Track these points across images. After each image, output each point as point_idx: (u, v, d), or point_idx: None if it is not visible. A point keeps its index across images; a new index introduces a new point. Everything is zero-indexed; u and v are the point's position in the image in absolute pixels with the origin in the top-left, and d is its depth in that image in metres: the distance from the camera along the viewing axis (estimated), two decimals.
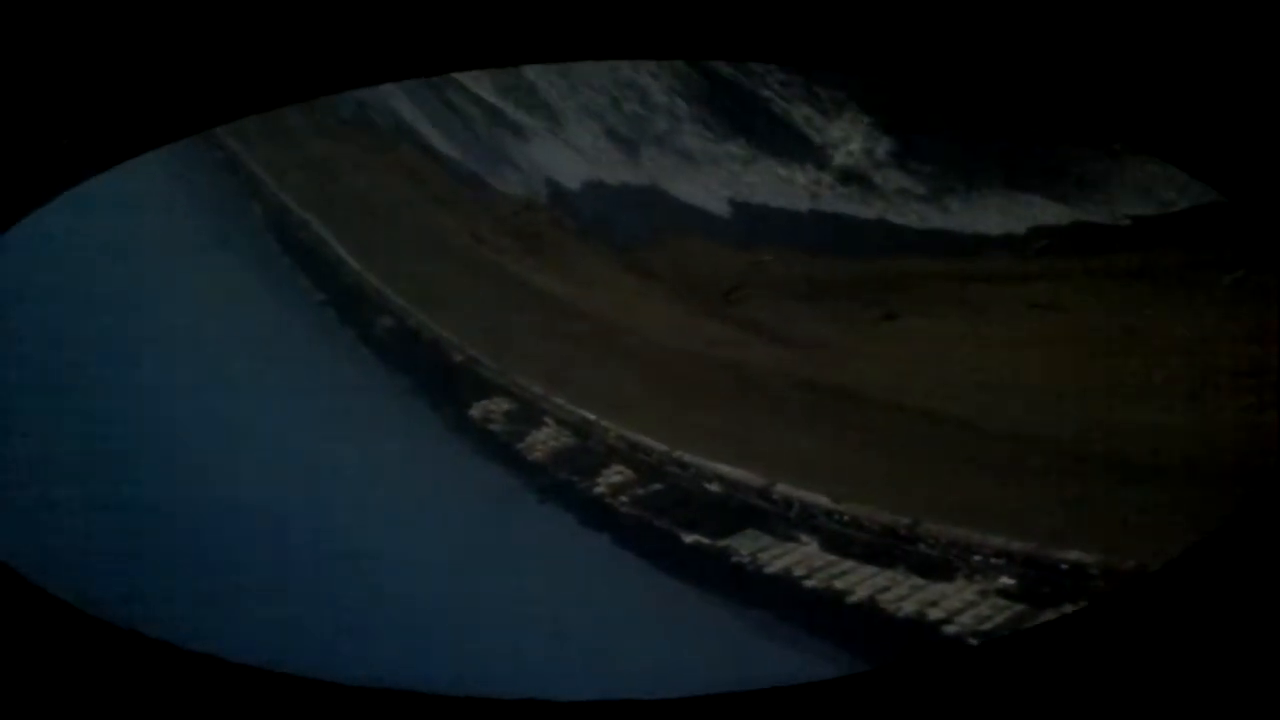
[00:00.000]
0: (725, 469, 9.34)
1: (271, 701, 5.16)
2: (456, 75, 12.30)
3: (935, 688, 5.57)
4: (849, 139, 9.94)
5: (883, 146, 9.95)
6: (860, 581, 8.34)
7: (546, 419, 10.21)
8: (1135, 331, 9.33)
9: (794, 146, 10.23)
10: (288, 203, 12.34)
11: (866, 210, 10.06)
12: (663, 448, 9.67)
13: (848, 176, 9.98)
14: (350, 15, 8.05)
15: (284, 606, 7.63)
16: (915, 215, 9.99)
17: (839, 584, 8.40)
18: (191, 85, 7.77)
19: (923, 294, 9.88)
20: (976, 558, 8.03)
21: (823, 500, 8.86)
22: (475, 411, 10.48)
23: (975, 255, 9.83)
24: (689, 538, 9.12)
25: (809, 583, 8.50)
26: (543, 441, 10.11)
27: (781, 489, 9.06)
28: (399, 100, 12.44)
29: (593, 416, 10.07)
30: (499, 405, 10.44)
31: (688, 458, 9.55)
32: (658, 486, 9.51)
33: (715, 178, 10.60)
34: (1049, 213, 9.66)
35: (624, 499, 9.53)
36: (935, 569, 8.15)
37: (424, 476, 9.98)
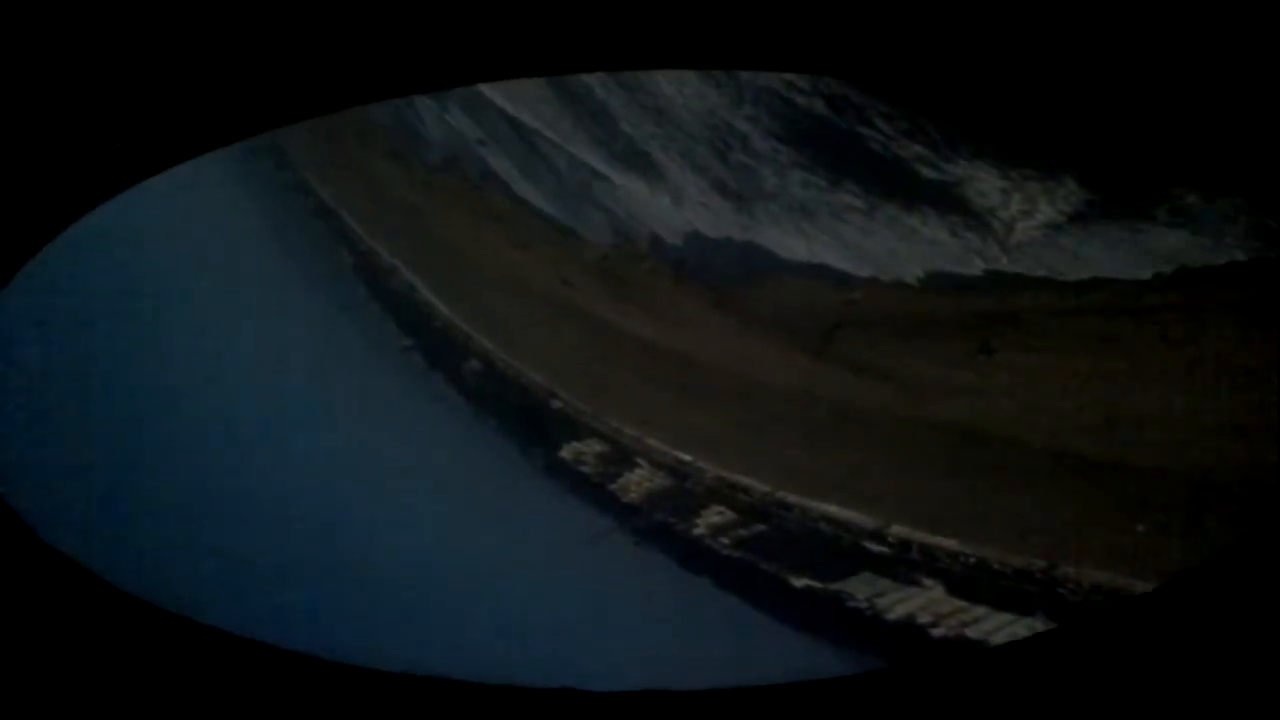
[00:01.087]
0: (834, 509, 8.15)
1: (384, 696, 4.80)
2: (546, 129, 11.54)
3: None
4: (973, 179, 8.91)
5: (1006, 184, 8.92)
6: (996, 629, 7.05)
7: (640, 460, 9.10)
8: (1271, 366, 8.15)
9: (910, 189, 9.21)
10: (377, 249, 11.48)
11: (980, 245, 8.99)
12: (764, 488, 8.51)
13: (974, 217, 8.92)
14: (387, 22, 7.35)
15: (381, 629, 6.53)
16: (1032, 251, 8.91)
17: (971, 632, 7.12)
18: (241, 90, 7.01)
19: (1037, 329, 8.75)
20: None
21: (945, 541, 7.63)
22: (566, 453, 9.40)
23: (1093, 290, 8.70)
24: (799, 581, 7.90)
25: (936, 630, 7.23)
26: (636, 483, 8.98)
27: (897, 530, 7.85)
28: (488, 150, 11.64)
29: (688, 457, 8.95)
30: (590, 447, 9.35)
31: (792, 498, 8.38)
32: (761, 528, 8.34)
33: (833, 230, 9.58)
34: (1178, 248, 8.56)
35: (725, 540, 8.36)
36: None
37: (513, 517, 8.88)
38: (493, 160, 11.64)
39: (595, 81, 11.19)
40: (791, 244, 9.93)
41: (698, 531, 8.49)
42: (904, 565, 7.68)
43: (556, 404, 9.73)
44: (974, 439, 8.28)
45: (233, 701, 4.64)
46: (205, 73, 6.94)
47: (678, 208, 10.61)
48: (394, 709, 4.71)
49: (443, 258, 11.37)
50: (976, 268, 9.18)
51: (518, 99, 11.67)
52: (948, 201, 9.33)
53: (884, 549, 7.82)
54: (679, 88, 10.55)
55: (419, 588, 7.75)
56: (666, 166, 10.68)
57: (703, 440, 9.00)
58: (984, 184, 9.20)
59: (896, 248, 9.54)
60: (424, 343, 10.78)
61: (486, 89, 12.05)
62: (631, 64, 9.19)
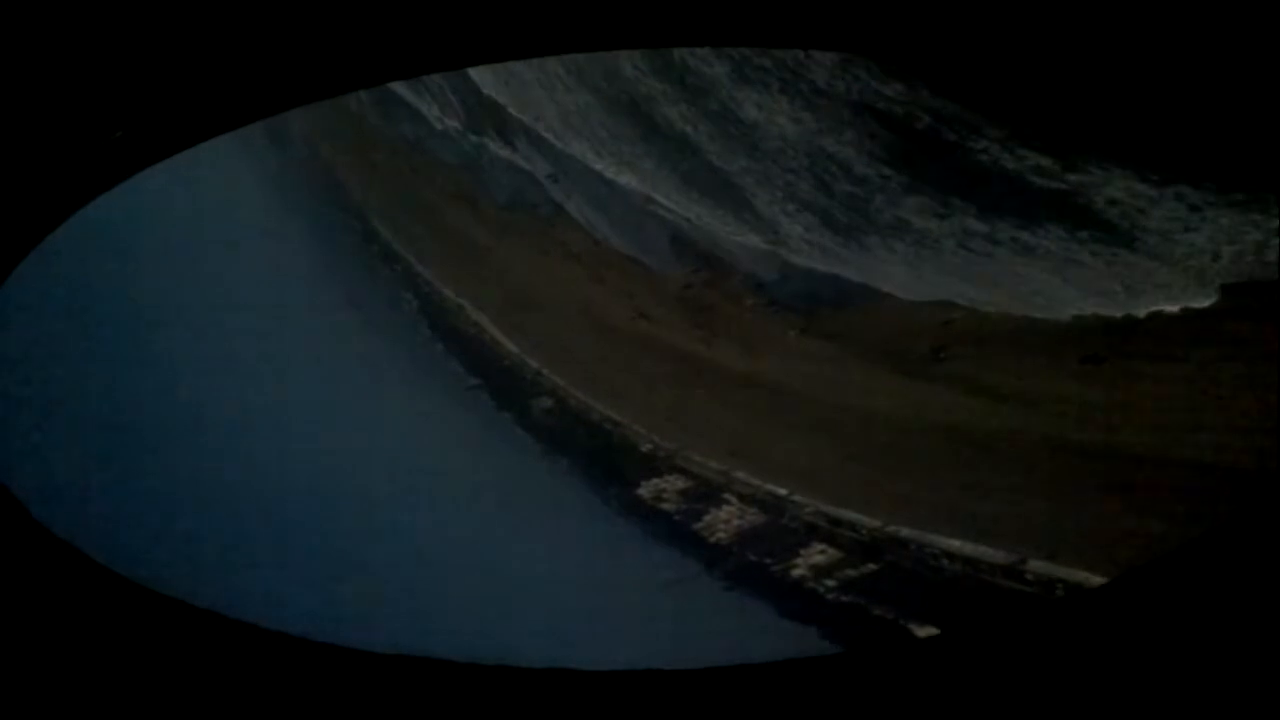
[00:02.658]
0: (956, 544, 6.79)
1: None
2: (624, 167, 10.65)
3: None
4: (1104, 183, 7.72)
5: (1136, 190, 7.72)
6: None
7: (728, 496, 7.84)
8: None
9: (1031, 204, 8.04)
10: (443, 290, 10.54)
11: (1116, 257, 7.75)
12: (873, 522, 7.18)
13: (1110, 229, 7.71)
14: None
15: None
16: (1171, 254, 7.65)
17: None
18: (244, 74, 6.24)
19: (1164, 336, 7.45)
20: None
21: (1095, 579, 6.20)
22: (645, 491, 8.17)
23: (1236, 295, 7.39)
24: (922, 630, 6.49)
25: None
26: (725, 521, 7.70)
27: (1036, 566, 6.43)
28: (560, 187, 10.75)
29: (783, 491, 7.67)
30: (672, 483, 8.12)
31: (906, 532, 7.02)
32: (871, 567, 6.97)
33: (942, 250, 8.41)
34: None
35: (830, 583, 7.00)
36: None
37: (589, 560, 7.63)
38: (565, 197, 10.73)
39: (677, 115, 10.33)
40: (894, 268, 8.77)
41: (797, 573, 7.15)
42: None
43: (634, 439, 8.55)
44: (1107, 458, 6.92)
45: (235, 685, 4.45)
46: (206, 56, 6.23)
47: (768, 240, 9.55)
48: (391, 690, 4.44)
49: (512, 296, 10.39)
50: (1111, 281, 7.93)
51: (591, 136, 10.84)
52: (1074, 213, 8.14)
53: (1022, 588, 6.41)
54: (769, 115, 9.62)
55: (481, 624, 6.51)
56: (758, 198, 9.64)
57: (799, 472, 7.72)
58: (1114, 190, 8.02)
59: (1014, 265, 8.33)
60: (491, 382, 9.72)
61: (556, 128, 11.28)
62: (666, 41, 8.36)
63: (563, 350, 9.70)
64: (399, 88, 12.31)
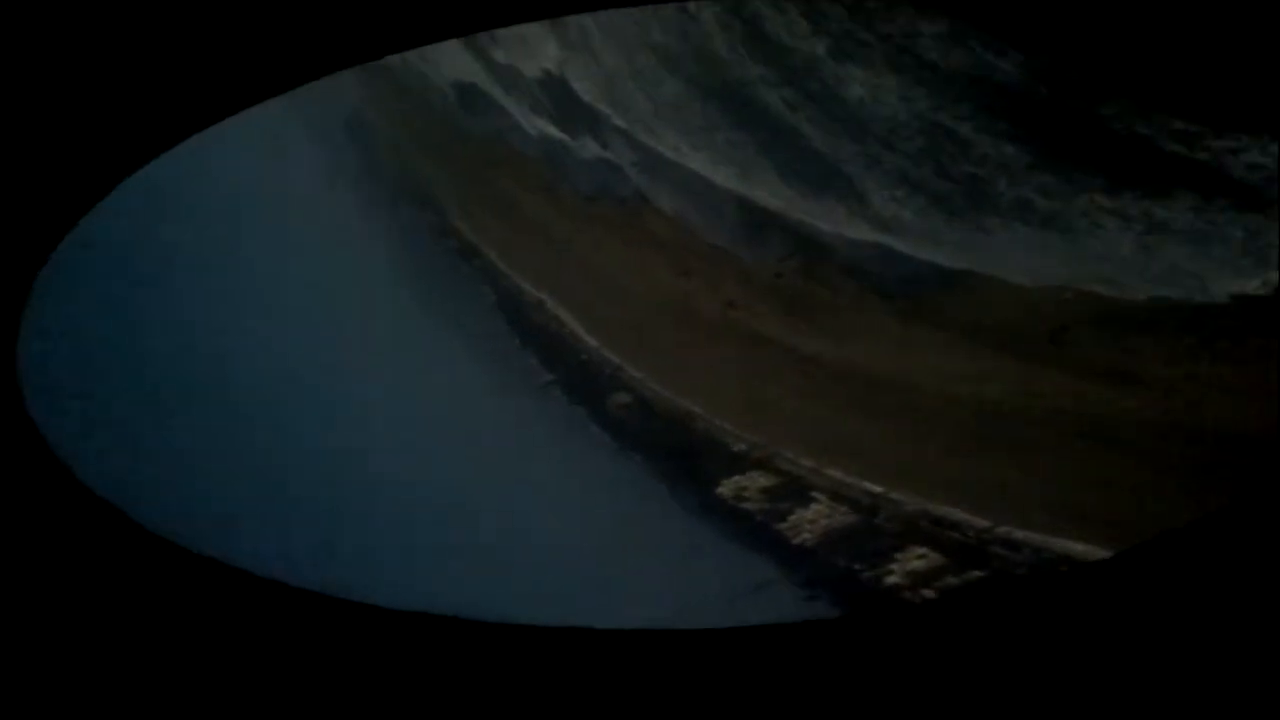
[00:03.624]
0: (1079, 548, 5.89)
1: None
2: (723, 152, 10.09)
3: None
4: (1244, 148, 6.83)
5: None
6: None
7: (816, 494, 7.09)
8: None
9: (1163, 175, 7.18)
10: (522, 284, 10.11)
11: (1241, 226, 6.82)
12: (982, 523, 6.33)
13: (1252, 197, 6.80)
14: None
15: None
16: None
17: None
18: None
19: None
20: None
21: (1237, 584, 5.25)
22: (725, 489, 7.49)
23: None
24: (1032, 645, 5.61)
25: None
26: (812, 521, 6.95)
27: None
28: (649, 177, 10.23)
29: (878, 489, 6.89)
30: (755, 481, 7.42)
31: (1019, 534, 6.16)
32: (978, 574, 6.12)
33: (1063, 228, 7.59)
34: None
35: (929, 592, 6.17)
36: None
37: (662, 563, 7.00)
38: (652, 186, 10.21)
39: (776, 98, 9.73)
40: (1015, 250, 7.94)
41: (892, 580, 6.35)
42: None
43: (716, 435, 7.89)
44: (1253, 448, 5.96)
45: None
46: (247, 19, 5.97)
47: (874, 226, 8.82)
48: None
49: (595, 289, 9.90)
50: (1253, 254, 6.99)
51: (683, 125, 10.32)
52: (1210, 182, 7.25)
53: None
54: (876, 93, 8.92)
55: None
56: (865, 183, 8.93)
57: (897, 468, 6.93)
58: (1255, 155, 7.12)
59: (1145, 240, 7.43)
60: (567, 377, 9.20)
61: (647, 119, 10.81)
62: None
63: (646, 343, 9.13)
64: (486, 84, 12.07)
